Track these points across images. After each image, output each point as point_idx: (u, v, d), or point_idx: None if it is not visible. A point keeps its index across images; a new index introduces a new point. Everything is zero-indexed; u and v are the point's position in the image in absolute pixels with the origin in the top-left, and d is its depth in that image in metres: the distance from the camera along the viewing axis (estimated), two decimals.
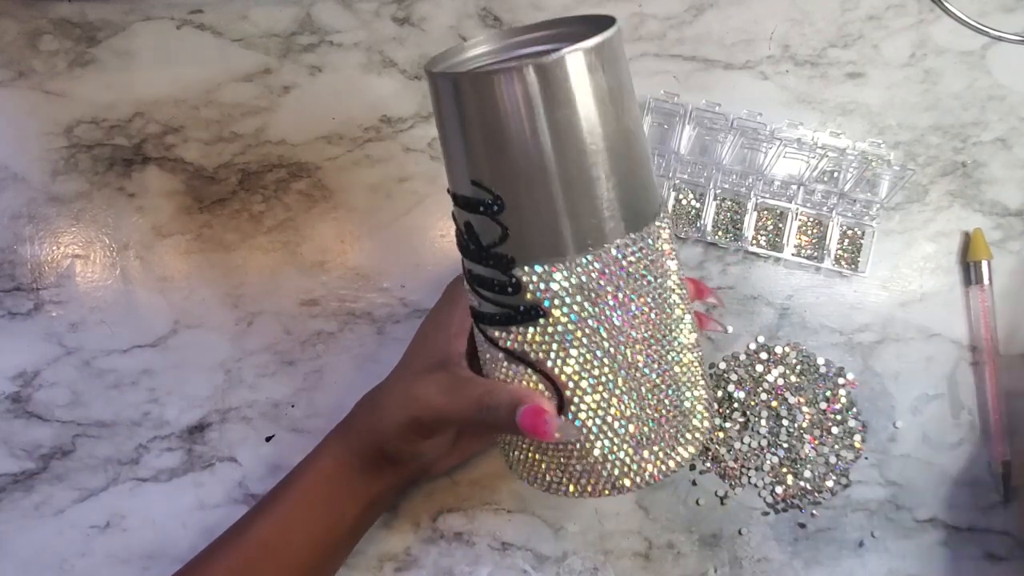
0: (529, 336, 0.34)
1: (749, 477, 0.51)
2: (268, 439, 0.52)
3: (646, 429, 0.35)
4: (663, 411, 0.35)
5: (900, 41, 0.57)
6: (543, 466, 0.37)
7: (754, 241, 0.54)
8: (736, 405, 0.52)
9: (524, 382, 0.35)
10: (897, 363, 0.53)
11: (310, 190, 0.55)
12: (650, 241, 0.34)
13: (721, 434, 0.52)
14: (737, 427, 0.52)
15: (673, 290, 0.36)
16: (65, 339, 0.53)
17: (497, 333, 0.35)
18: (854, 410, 0.52)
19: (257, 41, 0.57)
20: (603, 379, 0.34)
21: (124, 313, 0.53)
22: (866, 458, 0.52)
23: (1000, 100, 0.56)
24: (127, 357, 0.53)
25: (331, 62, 0.57)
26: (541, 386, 0.35)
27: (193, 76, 0.56)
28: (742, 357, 0.53)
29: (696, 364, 0.37)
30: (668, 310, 0.36)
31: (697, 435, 0.37)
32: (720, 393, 0.52)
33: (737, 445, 0.52)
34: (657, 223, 0.35)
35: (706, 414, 0.37)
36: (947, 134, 0.56)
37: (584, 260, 0.33)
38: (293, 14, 0.57)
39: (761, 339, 0.53)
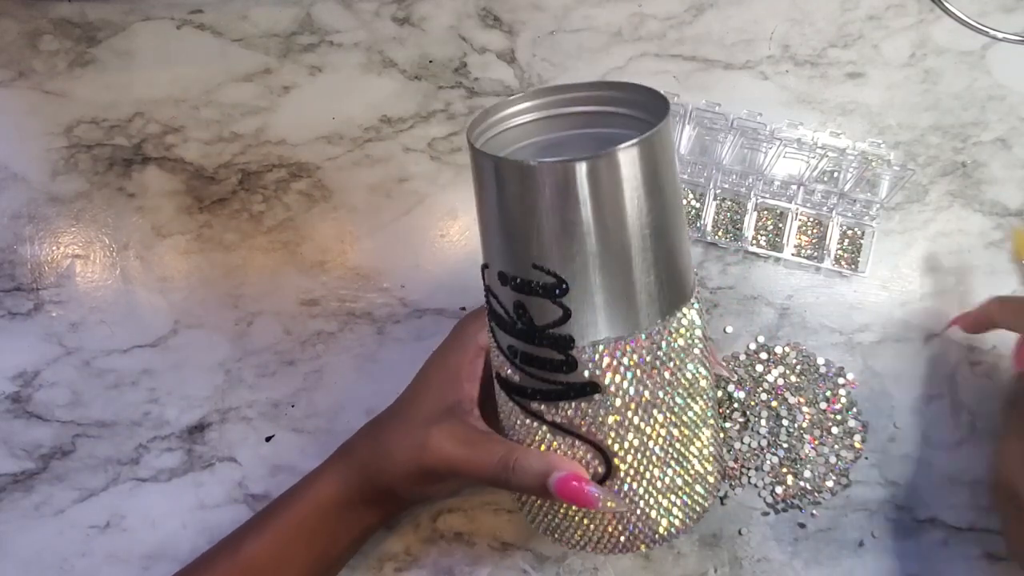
0: (580, 410, 0.35)
1: (749, 477, 0.51)
2: (268, 439, 0.52)
3: (673, 496, 0.37)
4: (683, 479, 0.37)
5: (900, 41, 0.57)
6: (568, 525, 0.38)
7: (754, 241, 0.54)
8: (736, 405, 0.52)
9: (569, 452, 0.36)
10: (897, 363, 0.53)
11: (310, 190, 0.55)
12: (690, 319, 0.36)
13: (721, 434, 0.52)
14: (737, 427, 0.52)
15: (703, 365, 0.38)
16: (65, 339, 0.53)
17: (541, 407, 0.36)
18: (854, 410, 0.52)
19: (257, 41, 0.57)
20: (643, 450, 0.36)
21: (124, 313, 0.53)
22: (866, 458, 0.52)
23: (1000, 100, 0.56)
24: (127, 357, 0.53)
25: (331, 62, 0.57)
26: (589, 455, 0.36)
27: (193, 76, 0.56)
28: (742, 357, 0.53)
29: (713, 437, 0.39)
30: (699, 384, 0.37)
31: (705, 502, 0.39)
32: (720, 393, 0.52)
33: (737, 445, 0.52)
34: (694, 300, 0.37)
35: (714, 484, 0.39)
36: (947, 134, 0.56)
37: (642, 337, 0.34)
38: (293, 14, 0.57)
39: (761, 339, 0.53)
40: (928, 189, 0.55)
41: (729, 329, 0.53)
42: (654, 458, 0.36)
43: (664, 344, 0.35)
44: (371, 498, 0.43)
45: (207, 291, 0.54)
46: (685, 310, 0.36)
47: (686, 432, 0.36)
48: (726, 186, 0.55)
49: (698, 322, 0.37)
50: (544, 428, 0.36)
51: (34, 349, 0.53)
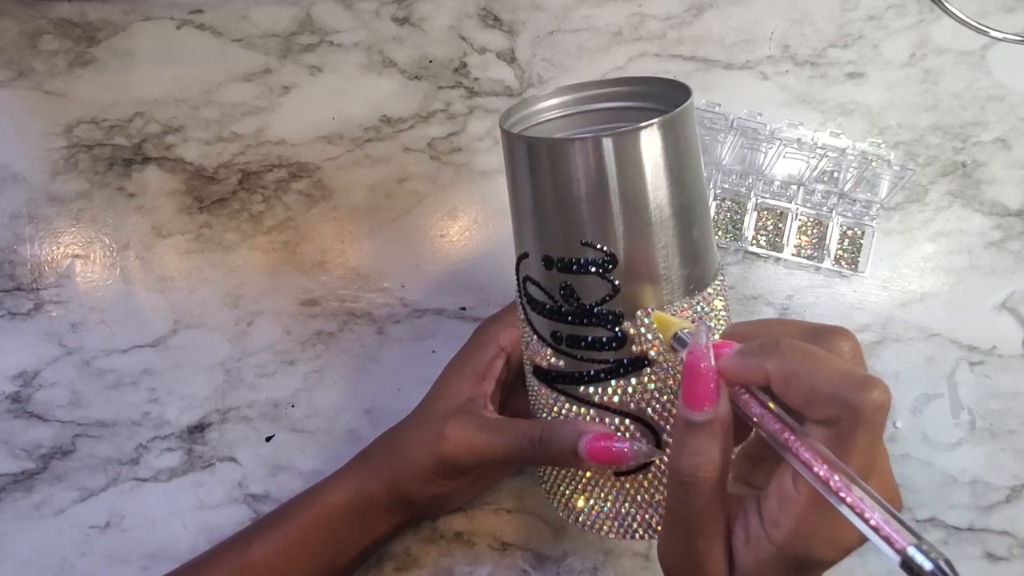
0: (630, 387, 0.35)
1: None
2: (268, 439, 0.52)
3: None
4: None
5: (900, 41, 0.57)
6: (598, 503, 0.38)
7: (754, 241, 0.54)
8: None
9: (620, 433, 0.36)
10: (897, 363, 0.53)
11: (310, 190, 0.55)
12: (722, 290, 0.37)
13: None
14: None
15: None
16: (65, 339, 0.53)
17: (590, 390, 0.36)
18: None
19: (257, 41, 0.57)
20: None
21: (124, 313, 0.53)
22: None
23: (1000, 100, 0.56)
24: (127, 357, 0.53)
25: (331, 62, 0.57)
26: (639, 435, 0.36)
27: (193, 76, 0.56)
28: None
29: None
30: None
31: None
32: None
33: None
34: (722, 275, 0.38)
35: None
36: (947, 134, 0.56)
37: (685, 307, 0.35)
38: (293, 14, 0.57)
39: None
40: (928, 189, 0.55)
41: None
42: None
43: (706, 313, 0.36)
44: (384, 505, 0.43)
45: (207, 291, 0.54)
46: (719, 281, 0.37)
47: None
48: (726, 186, 0.55)
49: (725, 298, 0.38)
50: (592, 412, 0.36)
51: (34, 349, 0.53)
